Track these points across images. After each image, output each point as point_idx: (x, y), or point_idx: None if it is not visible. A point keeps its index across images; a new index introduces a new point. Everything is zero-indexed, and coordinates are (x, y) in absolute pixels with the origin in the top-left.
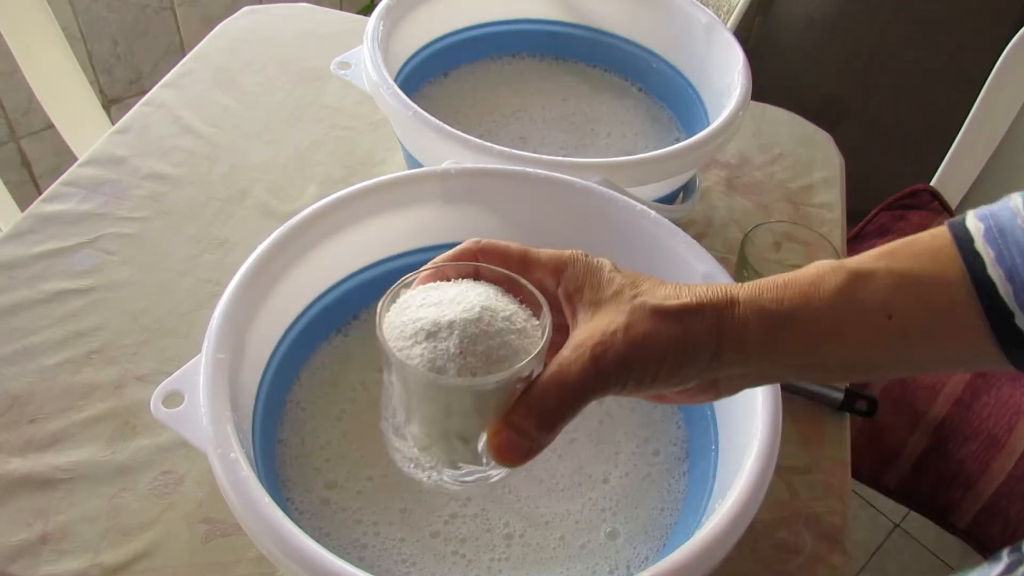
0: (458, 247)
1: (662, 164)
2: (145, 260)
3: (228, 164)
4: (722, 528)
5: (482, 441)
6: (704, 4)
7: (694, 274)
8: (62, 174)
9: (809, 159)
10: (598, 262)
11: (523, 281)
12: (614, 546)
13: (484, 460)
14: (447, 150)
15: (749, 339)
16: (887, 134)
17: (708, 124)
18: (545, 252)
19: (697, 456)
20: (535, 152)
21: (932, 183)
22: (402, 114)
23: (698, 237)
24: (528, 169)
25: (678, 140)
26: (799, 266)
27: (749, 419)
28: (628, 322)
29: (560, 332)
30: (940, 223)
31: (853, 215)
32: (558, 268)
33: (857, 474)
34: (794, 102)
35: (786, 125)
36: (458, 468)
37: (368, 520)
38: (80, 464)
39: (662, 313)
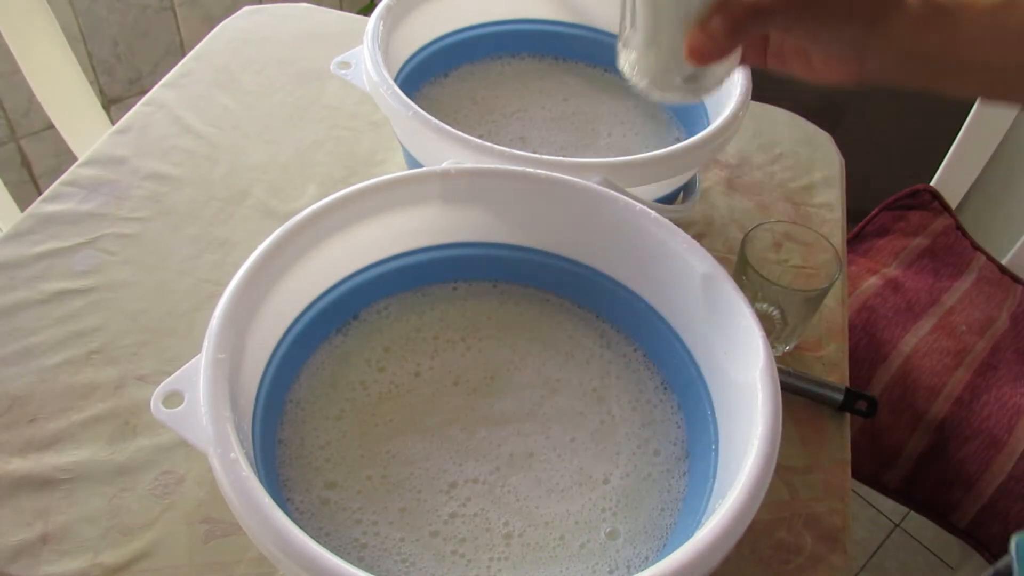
0: None
1: (662, 164)
2: (145, 260)
3: (228, 164)
4: (722, 528)
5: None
6: None
7: (694, 274)
8: (62, 174)
9: (809, 159)
10: None
11: None
12: (614, 546)
13: (680, 71)
14: (447, 150)
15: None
16: (887, 134)
17: (708, 124)
18: None
19: (697, 456)
20: (535, 152)
21: (932, 183)
22: (402, 114)
23: (698, 237)
24: (528, 169)
25: (678, 140)
26: (799, 266)
27: (749, 419)
28: None
29: None
30: (940, 223)
31: (853, 215)
32: None
33: (857, 474)
34: (794, 102)
35: (786, 125)
36: (663, 74)
37: (368, 520)
38: (80, 464)
39: None
